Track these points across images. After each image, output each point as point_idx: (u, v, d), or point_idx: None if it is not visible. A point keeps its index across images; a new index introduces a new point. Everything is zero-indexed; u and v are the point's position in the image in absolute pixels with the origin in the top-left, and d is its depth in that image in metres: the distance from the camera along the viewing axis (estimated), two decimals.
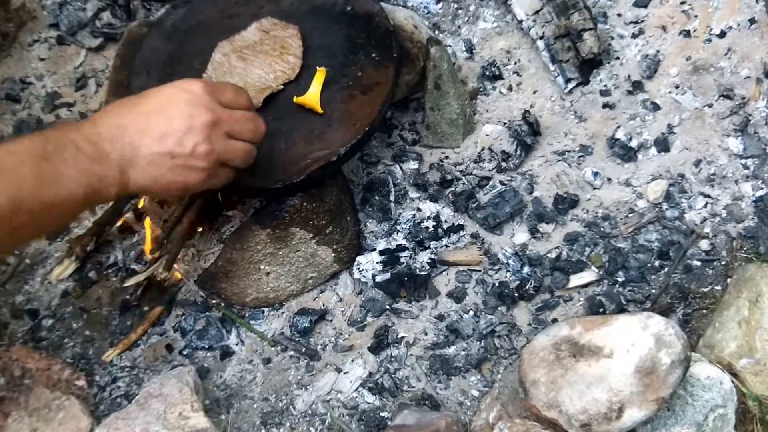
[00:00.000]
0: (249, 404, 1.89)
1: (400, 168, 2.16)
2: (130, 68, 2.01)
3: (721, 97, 2.12)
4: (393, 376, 1.88)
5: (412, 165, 2.16)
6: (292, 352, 1.95)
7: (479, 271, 2.00)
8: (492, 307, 1.94)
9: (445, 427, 1.66)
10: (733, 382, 1.63)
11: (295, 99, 1.84)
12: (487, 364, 1.88)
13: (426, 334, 1.93)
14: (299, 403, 1.87)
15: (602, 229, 2.01)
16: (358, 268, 1.98)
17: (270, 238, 1.89)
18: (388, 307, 1.96)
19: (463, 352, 1.89)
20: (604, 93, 2.19)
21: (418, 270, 1.99)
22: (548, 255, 1.99)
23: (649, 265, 1.94)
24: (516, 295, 1.94)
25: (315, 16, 1.99)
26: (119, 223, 2.13)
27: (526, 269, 1.96)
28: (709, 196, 2.02)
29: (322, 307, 2.00)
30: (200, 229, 2.05)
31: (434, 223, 2.05)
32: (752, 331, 1.72)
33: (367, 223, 2.07)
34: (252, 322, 2.00)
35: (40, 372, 1.85)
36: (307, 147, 1.81)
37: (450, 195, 2.09)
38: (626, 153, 2.10)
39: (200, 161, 1.47)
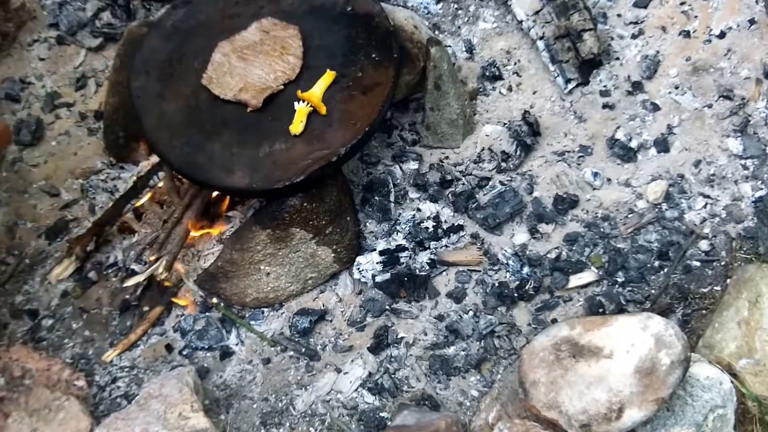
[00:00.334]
0: (249, 404, 1.89)
1: (400, 168, 2.16)
2: (130, 68, 2.01)
3: (721, 98, 2.12)
4: (393, 376, 1.88)
5: (412, 165, 2.16)
6: (291, 353, 1.95)
7: (479, 271, 2.00)
8: (492, 308, 1.94)
9: (445, 428, 1.66)
10: (732, 382, 1.63)
11: (299, 93, 1.84)
12: (486, 364, 1.88)
13: (426, 334, 1.93)
14: (299, 403, 1.87)
15: (602, 230, 2.01)
16: (358, 269, 1.98)
17: (270, 238, 1.89)
18: (387, 307, 1.97)
19: (462, 353, 1.89)
20: (604, 93, 2.20)
21: (417, 270, 1.99)
22: (548, 255, 1.99)
23: (648, 265, 1.95)
24: (516, 295, 1.94)
25: (315, 17, 1.99)
26: (119, 223, 2.14)
27: (525, 269, 1.97)
28: (708, 197, 2.02)
29: (322, 308, 2.00)
30: (201, 233, 2.07)
31: (434, 224, 2.05)
32: (752, 332, 1.72)
33: (367, 224, 2.07)
34: (252, 322, 2.00)
35: (40, 372, 1.85)
36: (307, 147, 1.81)
37: (450, 195, 2.09)
38: (626, 153, 2.10)
39: None
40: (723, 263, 1.93)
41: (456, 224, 2.05)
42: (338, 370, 1.90)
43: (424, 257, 2.01)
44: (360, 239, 2.04)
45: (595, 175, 2.08)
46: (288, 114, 1.84)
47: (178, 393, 1.75)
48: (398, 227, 2.05)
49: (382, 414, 1.83)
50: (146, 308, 2.02)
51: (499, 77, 2.26)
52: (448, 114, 2.13)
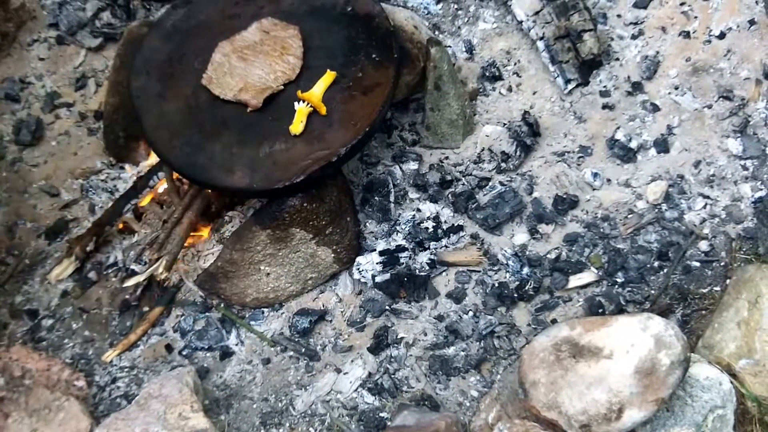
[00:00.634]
0: (248, 404, 1.89)
1: (400, 168, 2.16)
2: (130, 68, 2.01)
3: (721, 98, 2.12)
4: (392, 376, 1.88)
5: (412, 165, 2.16)
6: (291, 353, 1.95)
7: (479, 271, 2.00)
8: (491, 308, 1.94)
9: (445, 428, 1.66)
10: (732, 382, 1.63)
11: (299, 93, 1.84)
12: (486, 364, 1.88)
13: (425, 334, 1.93)
14: (299, 403, 1.87)
15: (602, 230, 2.01)
16: (358, 269, 1.98)
17: (270, 238, 1.89)
18: (387, 307, 1.97)
19: (462, 353, 1.89)
20: (604, 94, 2.20)
21: (417, 270, 1.99)
22: (548, 256, 2.00)
23: (648, 265, 1.95)
24: (515, 295, 1.94)
25: (315, 17, 1.99)
26: (119, 223, 2.14)
27: (525, 270, 1.97)
28: (708, 197, 2.02)
29: (322, 308, 2.00)
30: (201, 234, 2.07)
31: (434, 224, 2.05)
32: (751, 332, 1.72)
33: (367, 224, 2.07)
34: (252, 322, 2.00)
35: (39, 372, 1.85)
36: (307, 147, 1.81)
37: (450, 196, 2.09)
38: (626, 154, 2.10)
39: None
40: (723, 264, 1.93)
41: (456, 224, 2.05)
42: (338, 371, 1.91)
43: (424, 257, 2.01)
44: (360, 239, 2.04)
45: (595, 175, 2.08)
46: (288, 114, 1.84)
47: (178, 393, 1.75)
48: (398, 227, 2.05)
49: (381, 414, 1.83)
50: (146, 308, 2.02)
51: (499, 77, 2.26)
52: (448, 114, 2.13)
